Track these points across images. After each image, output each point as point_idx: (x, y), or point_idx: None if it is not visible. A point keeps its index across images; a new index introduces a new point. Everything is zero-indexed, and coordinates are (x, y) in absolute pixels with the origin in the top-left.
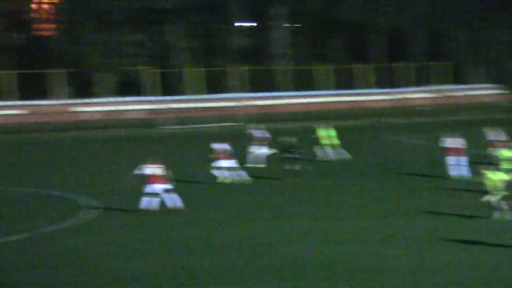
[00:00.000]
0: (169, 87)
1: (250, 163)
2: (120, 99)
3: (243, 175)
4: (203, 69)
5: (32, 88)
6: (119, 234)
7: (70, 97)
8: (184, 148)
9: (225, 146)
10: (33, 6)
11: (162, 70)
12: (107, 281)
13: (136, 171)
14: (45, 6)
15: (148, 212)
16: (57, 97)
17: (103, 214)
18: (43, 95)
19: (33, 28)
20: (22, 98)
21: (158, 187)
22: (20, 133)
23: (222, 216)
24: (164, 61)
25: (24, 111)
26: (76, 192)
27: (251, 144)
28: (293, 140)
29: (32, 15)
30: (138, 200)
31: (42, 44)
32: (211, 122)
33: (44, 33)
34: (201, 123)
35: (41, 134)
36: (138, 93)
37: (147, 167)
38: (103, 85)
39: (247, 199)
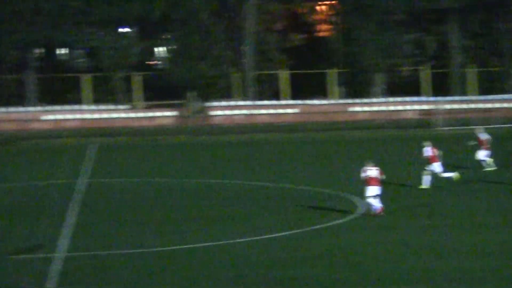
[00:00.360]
0: (443, 87)
1: (487, 167)
2: (396, 99)
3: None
4: (477, 69)
5: (306, 87)
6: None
7: (345, 96)
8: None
9: (435, 150)
10: (317, 8)
11: (437, 70)
12: (378, 279)
13: (362, 174)
14: (323, 8)
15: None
16: (333, 96)
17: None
18: (316, 94)
19: (312, 30)
20: (295, 97)
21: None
22: (295, 131)
23: (466, 220)
24: (440, 61)
25: (297, 110)
26: (350, 191)
27: (481, 149)
28: None
29: (312, 16)
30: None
31: (319, 44)
32: (488, 124)
33: (322, 34)
34: (478, 124)
35: (315, 134)
36: (413, 93)
37: (368, 169)
38: (377, 85)
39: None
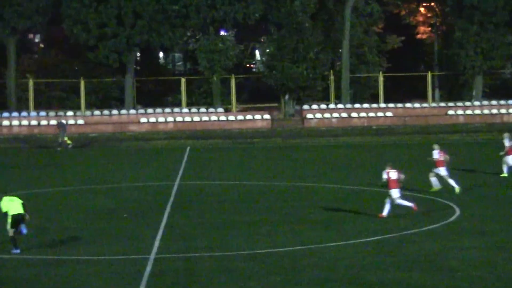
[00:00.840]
0: None
1: None
2: (496, 102)
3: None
4: None
5: (404, 90)
6: (480, 240)
7: (443, 100)
8: None
9: (443, 154)
10: (416, 9)
11: None
12: (470, 284)
13: (384, 176)
14: (422, 9)
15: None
16: (431, 100)
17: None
18: (414, 97)
19: (411, 32)
20: (392, 100)
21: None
22: (390, 135)
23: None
24: None
25: (393, 113)
26: (444, 196)
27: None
28: None
29: (411, 18)
30: None
31: (418, 47)
32: None
33: (421, 36)
34: None
35: (411, 137)
36: (509, 96)
37: (389, 171)
38: (477, 87)
39: None
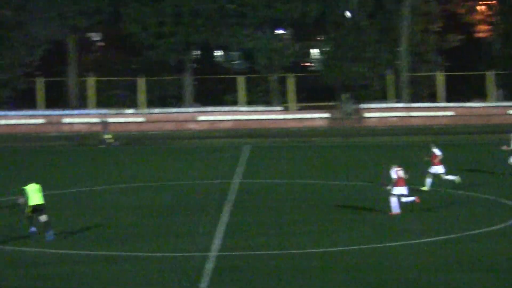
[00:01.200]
0: None
1: None
2: None
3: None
4: None
5: (464, 89)
6: None
7: (504, 99)
8: None
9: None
10: (476, 8)
11: None
12: None
13: (393, 175)
14: (482, 8)
15: None
16: (491, 99)
17: None
18: (474, 97)
19: (470, 30)
20: (452, 100)
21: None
22: (450, 134)
23: None
24: None
25: (453, 113)
26: (505, 196)
27: None
28: None
29: (470, 17)
30: None
31: (478, 46)
32: None
33: (481, 34)
34: None
35: (470, 137)
36: None
37: (395, 170)
38: None
39: None
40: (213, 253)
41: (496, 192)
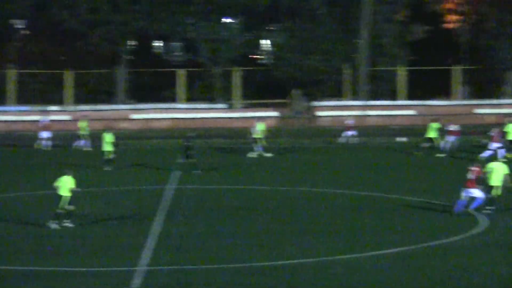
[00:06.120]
0: None
1: None
2: None
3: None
4: None
5: (428, 86)
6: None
7: (468, 97)
8: None
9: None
10: None
11: None
12: None
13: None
14: None
15: None
16: (457, 96)
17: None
18: (438, 94)
19: (437, 21)
20: (414, 97)
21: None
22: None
23: None
24: None
25: (414, 112)
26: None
27: None
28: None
29: (438, 6)
30: None
31: (445, 38)
32: None
33: (448, 25)
34: None
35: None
36: None
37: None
38: (509, 83)
39: None
40: (142, 268)
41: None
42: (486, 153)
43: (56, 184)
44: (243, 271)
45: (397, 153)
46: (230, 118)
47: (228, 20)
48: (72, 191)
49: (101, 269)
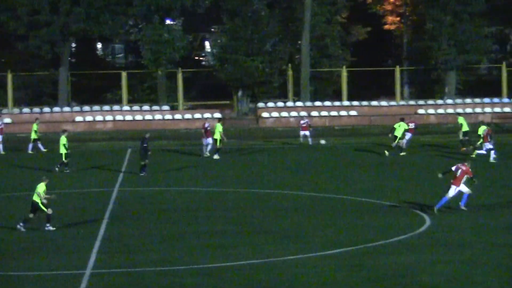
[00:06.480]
0: None
1: None
2: (472, 100)
3: None
4: None
5: (370, 87)
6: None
7: (410, 97)
8: None
9: None
10: None
11: None
12: None
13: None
14: None
15: None
16: (400, 97)
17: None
18: (381, 95)
19: (378, 22)
20: (357, 98)
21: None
22: (354, 136)
23: None
24: None
25: (357, 112)
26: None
27: None
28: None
29: (378, 7)
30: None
31: (386, 39)
32: None
33: (389, 26)
34: None
35: (376, 139)
36: (491, 94)
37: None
38: (451, 84)
39: None
40: (89, 271)
41: (403, 200)
42: (480, 152)
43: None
44: (191, 273)
45: (344, 153)
46: (174, 119)
47: (171, 22)
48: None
49: (50, 272)
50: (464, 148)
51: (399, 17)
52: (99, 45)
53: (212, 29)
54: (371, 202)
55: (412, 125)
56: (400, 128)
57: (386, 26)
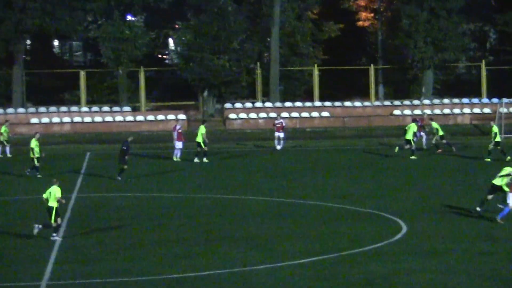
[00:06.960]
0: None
1: None
2: (450, 100)
3: None
4: None
5: (343, 87)
6: (432, 261)
7: (385, 97)
8: None
9: None
10: None
11: (499, 67)
12: None
13: None
14: None
15: None
16: (374, 97)
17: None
18: (355, 95)
19: (351, 19)
20: (329, 98)
21: None
22: (325, 139)
23: None
24: (503, 56)
25: (329, 113)
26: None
27: None
28: None
29: (351, 3)
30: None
31: (359, 36)
32: None
33: (363, 23)
34: None
35: (348, 141)
36: (469, 94)
37: None
38: (427, 83)
39: None
40: (44, 282)
41: (375, 206)
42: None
43: (45, 195)
44: (153, 284)
45: (316, 157)
46: (136, 121)
47: (132, 18)
48: (58, 201)
49: (4, 284)
50: (440, 150)
51: (373, 13)
52: (55, 43)
53: (176, 26)
54: (345, 209)
55: (419, 123)
56: (410, 130)
57: (360, 23)
